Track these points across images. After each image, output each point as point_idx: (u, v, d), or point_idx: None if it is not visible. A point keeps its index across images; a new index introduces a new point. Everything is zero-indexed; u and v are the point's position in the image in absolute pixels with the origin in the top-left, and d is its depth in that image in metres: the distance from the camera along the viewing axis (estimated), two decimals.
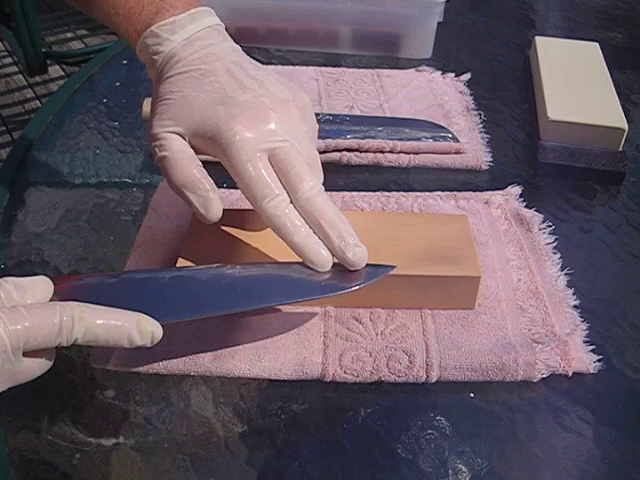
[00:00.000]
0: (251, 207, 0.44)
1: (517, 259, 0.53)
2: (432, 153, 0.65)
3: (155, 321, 0.39)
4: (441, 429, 0.42)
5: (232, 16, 0.81)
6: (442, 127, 0.67)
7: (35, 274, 0.39)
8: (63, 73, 2.30)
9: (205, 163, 0.46)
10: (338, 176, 0.62)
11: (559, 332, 0.47)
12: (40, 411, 0.43)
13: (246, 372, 0.44)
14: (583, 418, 0.43)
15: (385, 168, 0.64)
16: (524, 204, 0.59)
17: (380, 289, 0.45)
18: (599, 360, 0.46)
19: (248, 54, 0.49)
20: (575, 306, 0.49)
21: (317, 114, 0.56)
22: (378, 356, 0.45)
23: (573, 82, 0.70)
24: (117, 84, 0.78)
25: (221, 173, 0.45)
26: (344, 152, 0.64)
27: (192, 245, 0.49)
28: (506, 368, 0.44)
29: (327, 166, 0.49)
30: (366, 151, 0.64)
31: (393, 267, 0.45)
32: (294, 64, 0.80)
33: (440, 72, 0.78)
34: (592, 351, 0.46)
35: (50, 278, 0.40)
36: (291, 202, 0.43)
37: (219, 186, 0.46)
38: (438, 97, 0.73)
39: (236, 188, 0.44)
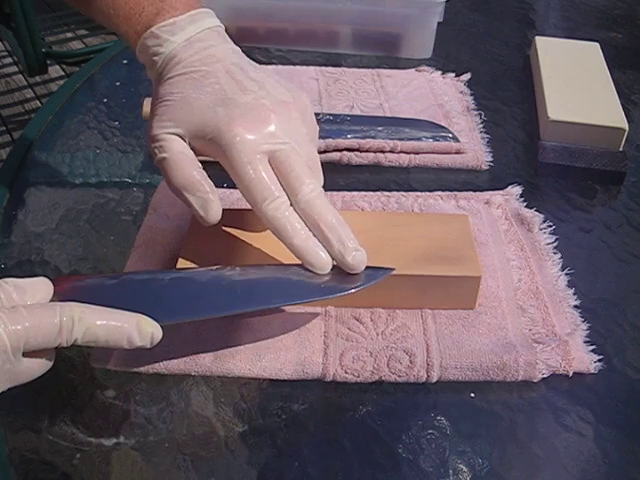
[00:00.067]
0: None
1: (517, 259, 0.53)
2: (432, 153, 0.65)
3: (155, 322, 0.39)
4: (442, 429, 0.42)
5: (232, 16, 0.81)
6: (442, 127, 0.67)
7: (35, 274, 0.39)
8: (63, 73, 2.30)
9: (205, 163, 0.46)
10: (338, 176, 0.62)
11: (560, 332, 0.47)
12: (40, 411, 0.43)
13: (246, 372, 0.44)
14: (583, 418, 0.43)
15: (385, 168, 0.64)
16: (524, 204, 0.59)
17: (381, 289, 0.45)
18: (599, 360, 0.46)
19: (248, 54, 0.49)
20: (575, 306, 0.49)
21: (317, 114, 0.56)
22: (379, 356, 0.45)
23: (573, 82, 0.70)
24: (117, 84, 0.78)
25: (221, 173, 0.45)
26: (344, 152, 0.64)
27: (192, 245, 0.49)
28: (507, 368, 0.44)
29: (327, 166, 0.49)
30: (366, 151, 0.64)
31: (392, 270, 0.45)
32: (294, 64, 0.80)
33: (440, 72, 0.78)
34: (592, 351, 0.46)
35: (50, 279, 0.40)
36: (291, 205, 0.43)
37: (219, 186, 0.46)
38: (438, 97, 0.73)
39: (236, 188, 0.44)
